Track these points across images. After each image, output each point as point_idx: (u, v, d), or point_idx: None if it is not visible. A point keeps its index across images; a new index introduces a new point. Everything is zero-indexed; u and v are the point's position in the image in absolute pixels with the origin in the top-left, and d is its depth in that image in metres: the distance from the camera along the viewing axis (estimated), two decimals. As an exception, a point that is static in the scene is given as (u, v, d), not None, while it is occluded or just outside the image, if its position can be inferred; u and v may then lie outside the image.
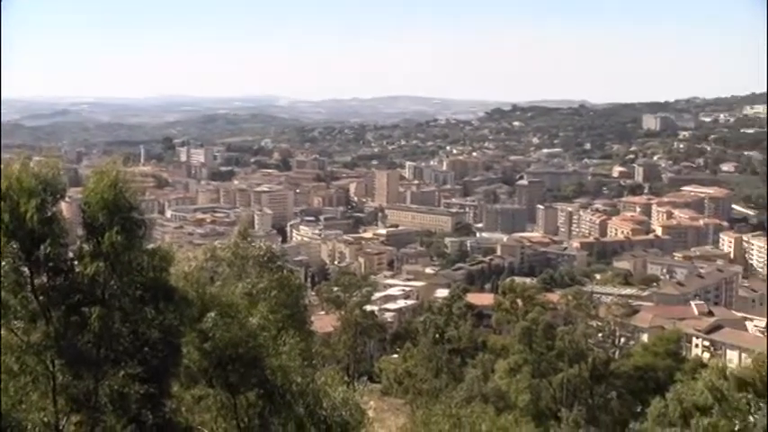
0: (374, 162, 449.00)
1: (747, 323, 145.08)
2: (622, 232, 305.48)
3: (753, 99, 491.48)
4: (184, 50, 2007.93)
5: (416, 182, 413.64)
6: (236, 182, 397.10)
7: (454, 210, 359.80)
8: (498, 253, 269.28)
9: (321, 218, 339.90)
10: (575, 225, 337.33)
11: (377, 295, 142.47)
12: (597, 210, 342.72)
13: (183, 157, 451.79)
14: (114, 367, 19.10)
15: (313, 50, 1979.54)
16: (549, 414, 61.00)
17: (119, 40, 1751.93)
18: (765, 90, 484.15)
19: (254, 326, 22.59)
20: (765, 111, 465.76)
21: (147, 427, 19.36)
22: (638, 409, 63.83)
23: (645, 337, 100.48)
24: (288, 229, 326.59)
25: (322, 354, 67.29)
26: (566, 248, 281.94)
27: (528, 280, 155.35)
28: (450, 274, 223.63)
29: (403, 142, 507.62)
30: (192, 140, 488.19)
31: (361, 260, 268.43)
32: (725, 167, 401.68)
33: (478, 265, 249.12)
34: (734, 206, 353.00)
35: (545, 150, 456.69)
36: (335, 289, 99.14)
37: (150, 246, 20.43)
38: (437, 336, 78.06)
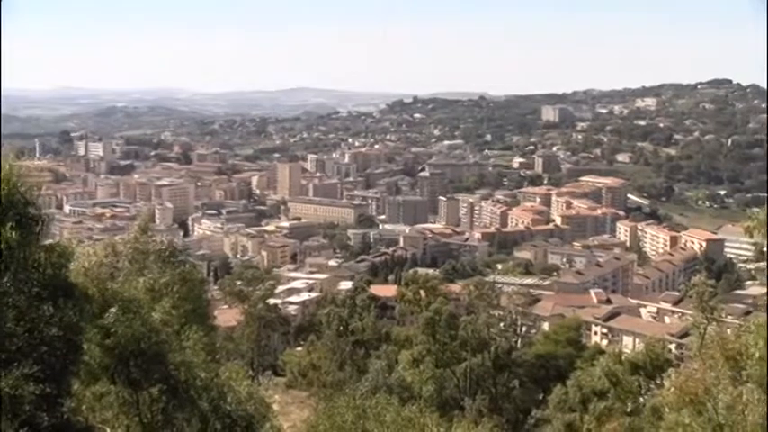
0: (276, 155, 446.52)
1: (642, 309, 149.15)
2: (523, 222, 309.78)
3: (643, 92, 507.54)
4: (81, 41, 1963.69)
5: (319, 174, 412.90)
6: (136, 176, 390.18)
7: (357, 202, 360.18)
8: (401, 244, 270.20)
9: (223, 211, 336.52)
10: (476, 216, 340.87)
11: (280, 288, 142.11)
12: (498, 200, 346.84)
13: (81, 151, 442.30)
14: (6, 368, 18.48)
15: (213, 43, 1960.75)
16: (453, 403, 61.35)
17: (11, 28, 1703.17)
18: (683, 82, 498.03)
19: (157, 321, 22.27)
20: (654, 104, 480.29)
21: (42, 428, 18.81)
22: (540, 397, 64.96)
23: (546, 326, 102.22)
24: (189, 222, 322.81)
25: (226, 348, 66.86)
26: (467, 239, 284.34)
27: (430, 271, 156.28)
28: (354, 267, 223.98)
29: (305, 135, 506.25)
30: (90, 134, 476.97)
31: (264, 253, 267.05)
32: (620, 158, 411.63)
33: (381, 256, 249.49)
34: (629, 196, 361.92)
35: (446, 142, 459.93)
36: (239, 283, 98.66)
37: (48, 242, 19.90)
38: (341, 328, 77.91)
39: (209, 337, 27.45)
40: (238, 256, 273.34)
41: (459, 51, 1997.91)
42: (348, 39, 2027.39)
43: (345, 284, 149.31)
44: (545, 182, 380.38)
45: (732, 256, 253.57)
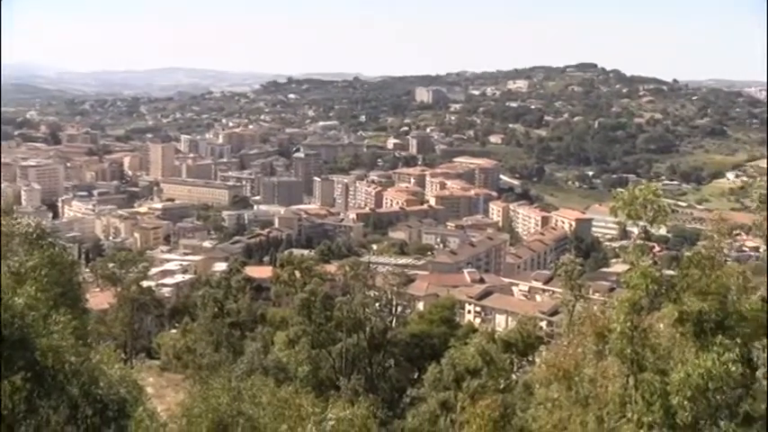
0: (149, 135, 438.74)
1: (514, 288, 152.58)
2: (397, 203, 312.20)
3: (515, 74, 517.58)
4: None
5: (192, 155, 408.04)
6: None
7: (231, 183, 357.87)
8: (276, 225, 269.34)
9: (94, 193, 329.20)
10: (351, 197, 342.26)
11: (154, 270, 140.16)
12: (373, 181, 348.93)
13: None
14: None
15: (82, 19, 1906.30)
16: (329, 384, 61.43)
17: None
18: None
19: (22, 306, 21.55)
20: (525, 86, 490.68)
21: None
22: (415, 376, 65.68)
23: (421, 306, 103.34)
24: (59, 204, 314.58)
25: (98, 331, 65.47)
26: (342, 220, 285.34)
27: (306, 252, 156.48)
28: (228, 248, 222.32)
29: (178, 115, 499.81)
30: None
31: (137, 235, 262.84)
32: (493, 139, 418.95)
33: (256, 238, 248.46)
34: (501, 176, 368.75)
35: (321, 123, 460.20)
36: (111, 265, 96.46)
37: None
38: (216, 310, 77.10)
39: (79, 321, 26.77)
40: (111, 238, 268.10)
41: (333, 32, 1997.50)
42: (221, 18, 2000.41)
43: (220, 266, 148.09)
44: (419, 163, 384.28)
45: (599, 235, 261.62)
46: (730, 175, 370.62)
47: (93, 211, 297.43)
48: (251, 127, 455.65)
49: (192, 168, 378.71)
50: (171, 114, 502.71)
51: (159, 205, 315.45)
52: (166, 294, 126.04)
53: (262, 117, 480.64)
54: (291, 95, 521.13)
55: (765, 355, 22.63)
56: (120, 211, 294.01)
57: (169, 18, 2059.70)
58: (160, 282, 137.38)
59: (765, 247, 22.57)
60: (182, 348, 72.25)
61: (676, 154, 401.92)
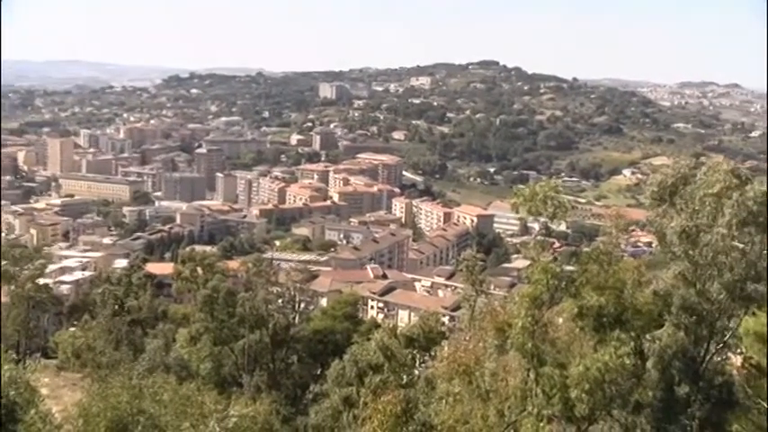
0: (45, 129, 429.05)
1: (416, 284, 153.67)
2: (301, 199, 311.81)
3: (418, 71, 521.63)
4: None
5: (92, 150, 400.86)
6: None
7: (132, 178, 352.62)
8: (178, 222, 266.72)
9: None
10: (254, 193, 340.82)
11: (52, 267, 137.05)
12: (276, 177, 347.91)
13: None
14: None
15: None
16: (232, 380, 61.06)
17: None
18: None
19: None
20: (428, 83, 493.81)
21: None
22: (318, 372, 65.61)
23: (324, 302, 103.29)
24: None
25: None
26: (245, 216, 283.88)
27: (208, 248, 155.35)
28: (129, 244, 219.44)
29: (77, 109, 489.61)
30: None
31: (34, 232, 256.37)
32: (396, 135, 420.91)
33: (158, 234, 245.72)
34: (404, 173, 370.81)
35: (223, 118, 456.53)
36: (4, 263, 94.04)
37: None
38: (116, 307, 76.04)
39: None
40: (4, 234, 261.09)
41: (235, 26, 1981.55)
42: (122, 10, 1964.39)
43: (121, 263, 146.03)
44: (322, 159, 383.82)
45: (500, 230, 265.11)
46: (626, 172, 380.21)
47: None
48: (152, 122, 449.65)
49: (92, 164, 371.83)
50: (69, 108, 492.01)
51: (58, 201, 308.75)
52: (65, 292, 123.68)
53: (163, 112, 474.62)
54: (194, 90, 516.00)
55: (656, 346, 23.28)
56: (14, 207, 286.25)
57: (67, 8, 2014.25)
58: (58, 279, 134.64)
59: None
60: (81, 346, 70.91)
61: (576, 151, 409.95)
